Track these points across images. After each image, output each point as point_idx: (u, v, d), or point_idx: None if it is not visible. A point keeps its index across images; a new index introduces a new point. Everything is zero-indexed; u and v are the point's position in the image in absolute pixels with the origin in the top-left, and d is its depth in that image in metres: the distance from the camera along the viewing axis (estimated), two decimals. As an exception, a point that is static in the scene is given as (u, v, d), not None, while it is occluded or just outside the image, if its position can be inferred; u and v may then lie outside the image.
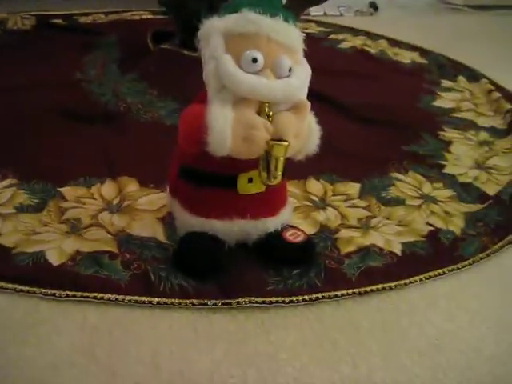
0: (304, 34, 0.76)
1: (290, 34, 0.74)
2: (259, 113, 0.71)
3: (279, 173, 0.74)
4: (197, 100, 0.76)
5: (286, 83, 0.72)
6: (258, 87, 0.70)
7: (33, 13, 2.03)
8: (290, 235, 0.83)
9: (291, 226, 0.85)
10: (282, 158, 0.72)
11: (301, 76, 0.74)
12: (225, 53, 0.72)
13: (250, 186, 0.78)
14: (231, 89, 0.71)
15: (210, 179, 0.79)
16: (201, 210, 0.80)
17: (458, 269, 0.87)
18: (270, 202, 0.82)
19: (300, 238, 0.83)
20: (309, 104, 0.75)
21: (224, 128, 0.69)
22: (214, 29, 0.73)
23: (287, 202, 0.86)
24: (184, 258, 0.81)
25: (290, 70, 0.73)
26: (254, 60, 0.71)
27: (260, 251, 0.83)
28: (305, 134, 0.75)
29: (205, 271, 0.80)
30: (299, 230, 0.85)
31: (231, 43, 0.72)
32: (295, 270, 0.82)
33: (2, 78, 1.43)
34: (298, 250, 0.83)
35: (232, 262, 0.82)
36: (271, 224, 0.82)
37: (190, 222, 0.82)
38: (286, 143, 0.71)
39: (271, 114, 0.72)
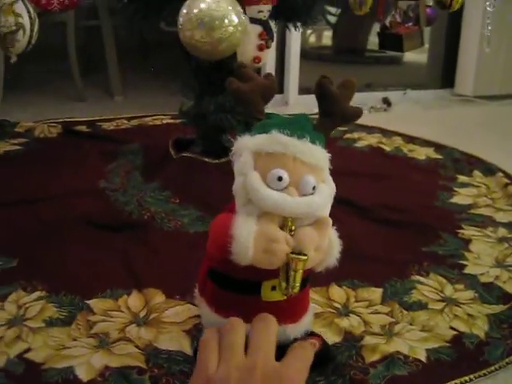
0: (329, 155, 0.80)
1: (316, 155, 0.77)
2: (282, 227, 0.74)
3: (297, 284, 0.75)
4: (228, 209, 0.79)
5: (309, 201, 0.74)
6: (281, 204, 0.73)
7: (59, 120, 2.12)
8: None
9: (311, 333, 0.87)
10: (300, 271, 0.74)
11: (323, 194, 0.76)
12: (253, 170, 0.75)
13: (273, 293, 0.80)
14: (256, 203, 0.74)
15: (234, 284, 0.81)
16: (224, 311, 0.82)
17: (485, 375, 0.87)
18: (292, 308, 0.84)
19: (316, 348, 0.84)
20: (330, 221, 0.77)
21: (247, 239, 0.72)
22: (245, 146, 0.77)
23: (308, 309, 0.88)
24: None
25: (314, 188, 0.76)
26: (280, 178, 0.74)
27: (278, 357, 0.84)
28: (325, 248, 0.77)
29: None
30: (316, 337, 0.87)
31: (260, 161, 0.76)
32: (319, 378, 0.83)
33: (27, 187, 1.49)
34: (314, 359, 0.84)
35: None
36: (292, 331, 0.83)
37: (213, 320, 0.84)
38: (304, 257, 0.73)
39: (294, 228, 0.75)
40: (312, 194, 0.75)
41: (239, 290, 0.81)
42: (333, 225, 0.78)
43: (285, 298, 0.79)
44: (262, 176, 0.74)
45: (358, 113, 0.83)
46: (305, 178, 0.75)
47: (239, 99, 0.83)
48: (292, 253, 0.73)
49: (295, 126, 0.77)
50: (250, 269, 0.74)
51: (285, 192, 0.74)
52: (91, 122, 2.14)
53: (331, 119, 0.81)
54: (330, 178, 0.79)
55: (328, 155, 0.78)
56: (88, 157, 1.73)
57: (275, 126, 0.77)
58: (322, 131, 0.79)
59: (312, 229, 0.75)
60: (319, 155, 0.77)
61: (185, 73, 1.57)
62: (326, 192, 0.76)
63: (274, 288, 0.79)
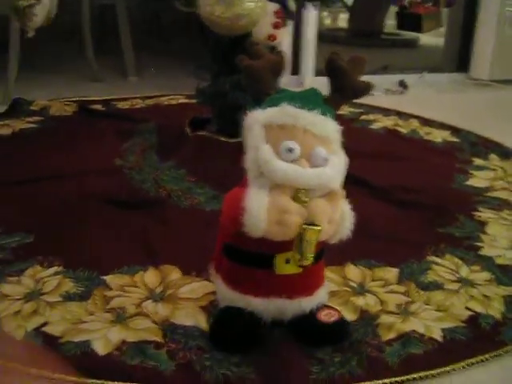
0: (341, 127, 0.80)
1: (326, 127, 0.78)
2: (295, 198, 0.75)
3: (311, 255, 0.76)
4: (242, 183, 0.80)
5: (320, 172, 0.75)
6: (292, 175, 0.74)
7: (74, 99, 2.12)
8: (324, 315, 0.85)
9: (327, 306, 0.87)
10: (313, 242, 0.75)
11: (335, 166, 0.77)
12: (264, 142, 0.76)
13: (287, 266, 0.80)
14: (268, 175, 0.74)
15: (249, 258, 0.82)
16: (239, 286, 0.83)
17: (501, 355, 0.86)
18: (306, 282, 0.84)
19: (334, 318, 0.85)
20: (343, 192, 0.78)
21: (259, 211, 0.73)
22: (256, 120, 0.78)
23: (323, 283, 0.88)
24: (218, 333, 0.84)
25: (325, 160, 0.76)
26: (290, 150, 0.75)
27: (295, 330, 0.85)
28: (338, 219, 0.77)
29: (237, 347, 0.83)
30: (334, 309, 0.87)
31: (271, 134, 0.76)
32: (335, 354, 0.83)
33: (43, 165, 1.50)
34: (330, 331, 0.85)
35: (267, 339, 0.84)
36: (306, 304, 0.84)
37: (229, 296, 0.85)
38: (317, 228, 0.74)
39: (306, 199, 0.75)
40: (323, 165, 0.75)
41: (254, 263, 0.82)
42: (349, 203, 0.79)
43: (299, 270, 0.80)
44: (273, 148, 0.75)
45: (367, 87, 0.83)
46: (316, 149, 0.75)
47: (251, 76, 0.83)
48: (305, 224, 0.74)
49: (305, 99, 0.78)
50: (263, 241, 0.75)
51: (296, 164, 0.74)
52: (106, 101, 2.15)
53: (342, 93, 0.81)
54: (342, 151, 0.79)
55: (339, 127, 0.78)
56: (104, 135, 1.74)
57: (285, 100, 0.77)
58: (332, 105, 0.79)
59: (324, 200, 0.75)
60: (330, 127, 0.78)
61: (200, 54, 1.57)
62: (337, 164, 0.77)
63: (287, 261, 0.80)
